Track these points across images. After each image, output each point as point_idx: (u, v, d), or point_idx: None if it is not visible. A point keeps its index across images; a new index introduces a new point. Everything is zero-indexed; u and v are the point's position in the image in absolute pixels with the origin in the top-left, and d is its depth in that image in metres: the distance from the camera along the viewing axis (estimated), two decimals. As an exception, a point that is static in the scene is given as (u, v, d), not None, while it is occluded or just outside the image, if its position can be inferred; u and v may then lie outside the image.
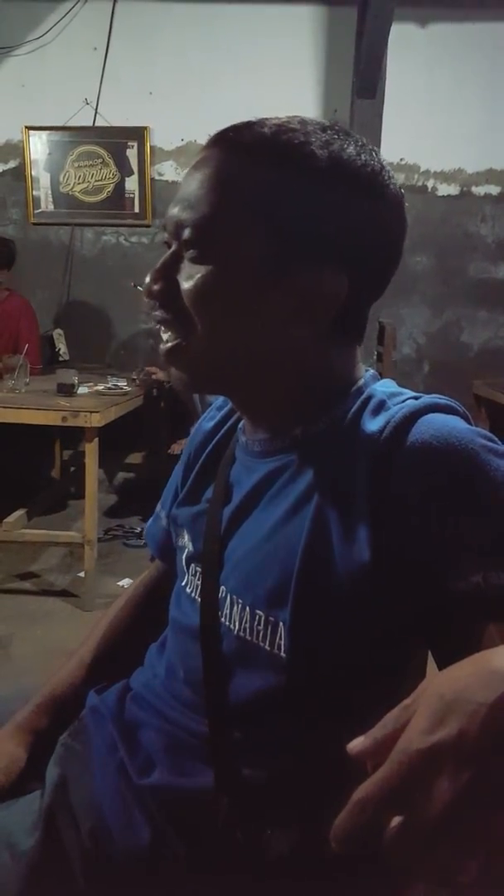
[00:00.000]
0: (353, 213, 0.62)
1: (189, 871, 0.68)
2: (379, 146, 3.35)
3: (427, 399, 0.64)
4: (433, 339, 3.87)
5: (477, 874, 0.35)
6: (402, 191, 0.67)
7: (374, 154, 0.64)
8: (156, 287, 0.66)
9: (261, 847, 0.66)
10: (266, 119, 0.64)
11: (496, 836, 0.35)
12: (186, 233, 0.63)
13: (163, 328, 0.68)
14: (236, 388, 0.72)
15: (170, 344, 0.67)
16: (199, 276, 0.63)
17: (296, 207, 0.61)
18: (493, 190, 3.74)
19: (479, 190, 3.75)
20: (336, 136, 0.63)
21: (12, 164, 3.86)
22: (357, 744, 0.39)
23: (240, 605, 0.68)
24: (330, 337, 0.66)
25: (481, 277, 3.80)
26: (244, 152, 0.62)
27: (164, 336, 0.68)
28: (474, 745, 0.35)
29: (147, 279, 0.66)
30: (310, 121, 0.64)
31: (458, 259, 3.79)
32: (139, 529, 3.37)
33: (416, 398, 0.65)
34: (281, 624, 0.63)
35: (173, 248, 0.66)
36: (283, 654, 0.63)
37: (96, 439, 2.56)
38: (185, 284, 0.64)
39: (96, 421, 2.48)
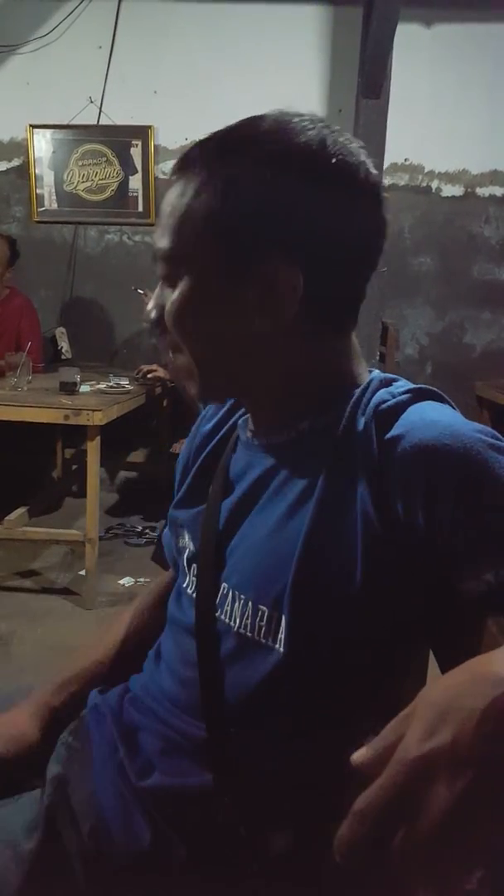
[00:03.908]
0: (298, 207, 0.62)
1: (189, 872, 0.68)
2: (383, 146, 3.36)
3: (419, 389, 0.66)
4: (436, 341, 3.87)
5: (479, 882, 0.34)
6: (374, 174, 0.66)
7: (336, 142, 0.63)
8: (152, 316, 0.70)
9: (261, 846, 0.66)
10: (226, 129, 0.66)
11: (496, 841, 0.35)
12: (160, 264, 0.68)
13: (169, 353, 0.72)
14: (241, 392, 0.74)
15: (172, 365, 0.72)
16: (171, 299, 0.67)
17: (236, 211, 0.62)
18: (498, 191, 3.74)
19: (484, 191, 3.74)
20: (287, 130, 0.63)
21: (16, 161, 3.86)
22: (359, 755, 0.39)
23: (242, 601, 0.67)
24: (307, 328, 0.66)
25: (485, 279, 3.79)
26: (194, 173, 0.65)
27: (172, 358, 0.72)
28: (468, 751, 0.35)
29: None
30: (265, 120, 0.64)
31: (462, 260, 3.78)
32: (140, 528, 3.37)
33: (410, 391, 0.66)
34: (283, 619, 0.63)
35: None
36: (282, 649, 0.63)
37: (98, 438, 2.56)
38: (165, 310, 0.68)
39: (98, 419, 2.48)
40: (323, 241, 0.63)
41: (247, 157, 0.62)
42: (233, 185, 0.62)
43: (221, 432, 0.82)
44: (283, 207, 0.62)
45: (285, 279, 0.63)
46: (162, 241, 0.67)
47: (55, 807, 0.73)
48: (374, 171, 0.65)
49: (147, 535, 3.27)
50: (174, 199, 0.66)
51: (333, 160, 0.62)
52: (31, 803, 0.75)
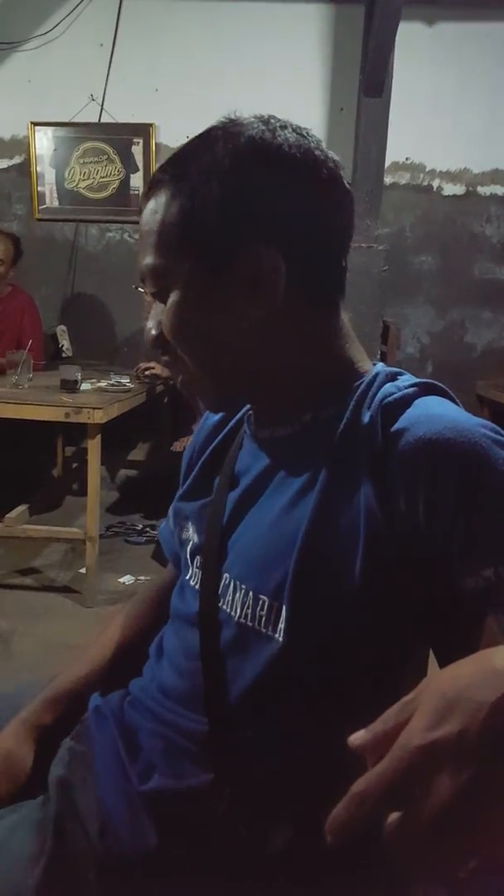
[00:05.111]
0: (261, 189, 0.64)
1: (192, 871, 0.68)
2: (385, 145, 3.36)
3: (424, 384, 0.67)
4: (437, 340, 3.87)
5: (474, 872, 0.35)
6: (330, 153, 0.68)
7: (285, 127, 0.66)
8: (153, 334, 0.71)
9: (261, 845, 0.66)
10: (181, 147, 0.69)
11: (494, 834, 0.35)
12: (149, 282, 0.69)
13: (173, 369, 0.72)
14: (248, 391, 0.73)
15: (181, 379, 0.72)
16: (165, 313, 0.68)
17: (205, 208, 0.64)
18: (499, 190, 3.73)
19: (485, 190, 3.74)
20: (236, 127, 0.66)
21: (17, 159, 3.86)
22: (357, 737, 0.39)
23: (242, 591, 0.68)
24: (296, 307, 0.67)
25: (486, 278, 3.79)
26: (162, 191, 0.67)
27: (177, 375, 0.72)
28: (475, 744, 0.35)
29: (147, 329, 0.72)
30: (214, 128, 0.67)
31: (463, 259, 3.78)
32: (141, 526, 3.37)
33: (416, 385, 0.67)
34: (283, 609, 0.63)
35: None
36: (281, 639, 0.64)
37: (99, 436, 2.56)
38: (162, 324, 0.69)
39: (99, 417, 2.48)
40: (292, 217, 0.65)
41: (204, 160, 0.65)
42: (196, 186, 0.64)
43: (228, 426, 0.82)
44: (247, 193, 0.64)
45: (266, 261, 0.64)
46: (146, 259, 0.68)
47: (63, 813, 0.73)
48: (329, 151, 0.68)
49: (147, 534, 3.27)
50: (148, 218, 0.68)
51: (285, 142, 0.65)
52: (35, 810, 0.75)
